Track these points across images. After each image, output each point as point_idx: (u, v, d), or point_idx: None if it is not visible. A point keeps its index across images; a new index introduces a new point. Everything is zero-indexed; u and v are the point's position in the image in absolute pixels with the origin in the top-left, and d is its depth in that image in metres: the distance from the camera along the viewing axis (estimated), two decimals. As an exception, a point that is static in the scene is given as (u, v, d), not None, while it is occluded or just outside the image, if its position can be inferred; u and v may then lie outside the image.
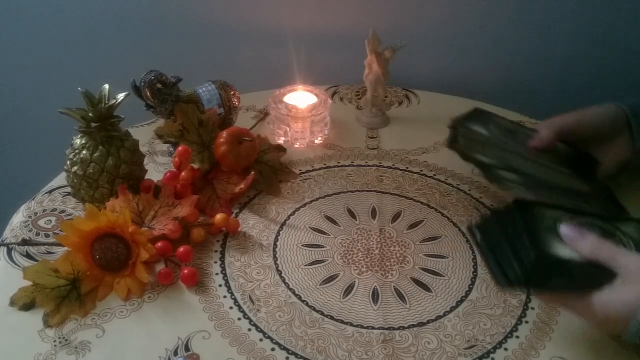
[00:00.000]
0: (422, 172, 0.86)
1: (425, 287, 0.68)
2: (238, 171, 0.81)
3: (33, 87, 1.22)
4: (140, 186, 0.74)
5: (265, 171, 0.83)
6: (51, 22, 1.14)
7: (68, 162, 0.72)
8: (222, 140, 0.79)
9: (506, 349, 0.61)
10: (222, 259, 0.70)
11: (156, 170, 0.83)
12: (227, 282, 0.67)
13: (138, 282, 0.65)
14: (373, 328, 0.62)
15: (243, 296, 0.66)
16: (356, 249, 0.72)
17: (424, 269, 0.70)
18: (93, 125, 0.70)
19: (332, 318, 0.64)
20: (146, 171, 0.77)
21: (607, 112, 0.77)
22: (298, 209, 0.78)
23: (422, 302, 0.66)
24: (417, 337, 0.62)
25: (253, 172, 0.79)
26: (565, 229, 0.58)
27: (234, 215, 0.77)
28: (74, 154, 0.71)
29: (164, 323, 0.62)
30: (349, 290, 0.67)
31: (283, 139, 0.91)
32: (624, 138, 0.77)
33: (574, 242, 0.57)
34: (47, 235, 0.72)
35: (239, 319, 0.63)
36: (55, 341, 0.59)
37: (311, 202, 0.80)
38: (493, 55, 1.12)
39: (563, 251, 0.58)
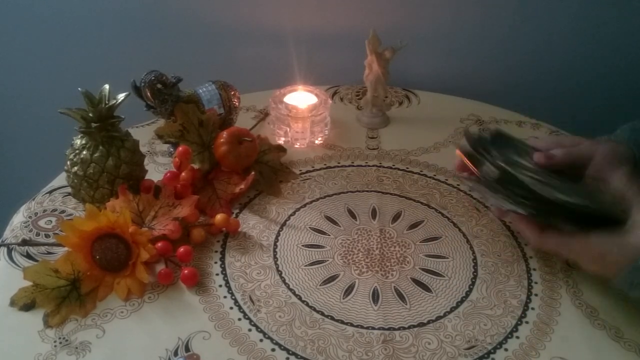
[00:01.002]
0: (422, 172, 0.86)
1: (425, 287, 0.68)
2: (238, 171, 0.81)
3: (33, 87, 1.22)
4: (140, 186, 0.74)
5: (265, 171, 0.83)
6: (51, 22, 1.14)
7: (68, 162, 0.72)
8: (222, 140, 0.79)
9: (506, 349, 0.61)
10: (222, 259, 0.71)
11: (156, 170, 0.83)
12: (227, 282, 0.67)
13: (138, 282, 0.65)
14: (373, 328, 0.62)
15: (243, 296, 0.66)
16: (356, 249, 0.72)
17: (424, 269, 0.70)
18: (93, 125, 0.70)
19: (332, 318, 0.64)
20: (146, 171, 0.77)
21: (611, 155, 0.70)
22: (298, 209, 0.78)
23: (422, 302, 0.66)
24: (417, 337, 0.62)
25: (253, 172, 0.79)
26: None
27: (234, 215, 0.77)
28: (74, 154, 0.71)
29: (164, 323, 0.62)
30: (349, 290, 0.67)
31: (283, 139, 0.91)
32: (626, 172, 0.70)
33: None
34: (47, 235, 0.72)
35: (239, 319, 0.63)
36: (55, 341, 0.59)
37: (311, 202, 0.80)
38: (493, 55, 1.12)
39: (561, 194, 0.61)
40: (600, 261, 0.61)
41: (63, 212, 0.76)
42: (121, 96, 0.71)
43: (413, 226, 0.76)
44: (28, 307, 0.62)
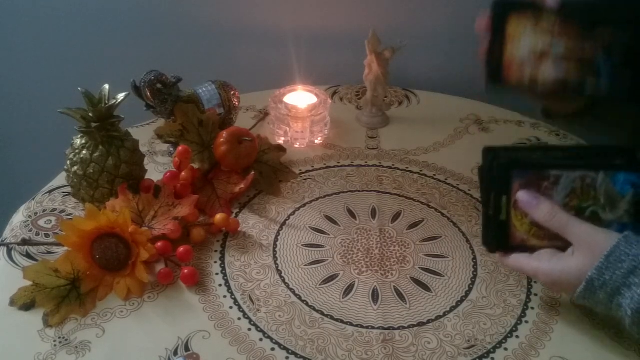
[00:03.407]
0: (421, 172, 0.86)
1: (425, 287, 0.68)
2: (238, 171, 0.81)
3: (33, 87, 1.22)
4: (140, 186, 0.74)
5: (265, 171, 0.83)
6: (51, 22, 1.14)
7: (68, 162, 0.72)
8: (222, 140, 0.79)
9: (506, 349, 0.61)
10: (222, 259, 0.71)
11: (156, 170, 0.83)
12: (226, 281, 0.67)
13: (138, 281, 0.65)
14: (373, 328, 0.62)
15: (243, 296, 0.66)
16: (356, 249, 0.72)
17: (423, 269, 0.70)
18: (93, 125, 0.70)
19: (331, 318, 0.64)
20: (146, 171, 0.77)
21: None
22: (298, 209, 0.78)
23: (422, 301, 0.66)
24: (417, 337, 0.62)
25: (253, 172, 0.79)
26: (521, 195, 0.60)
27: (233, 215, 0.77)
28: (74, 153, 0.71)
29: (164, 323, 0.62)
30: (348, 289, 0.67)
31: (283, 138, 0.91)
32: None
33: (529, 208, 0.60)
34: (47, 235, 0.72)
35: (239, 319, 0.63)
36: (55, 341, 0.59)
37: (311, 201, 0.80)
38: (493, 55, 1.12)
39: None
40: (553, 286, 0.62)
41: (63, 211, 0.76)
42: (121, 96, 0.71)
43: (413, 226, 0.76)
44: (28, 306, 0.62)
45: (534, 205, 0.60)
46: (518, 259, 0.61)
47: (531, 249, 0.61)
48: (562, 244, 0.59)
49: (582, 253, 0.57)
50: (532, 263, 0.60)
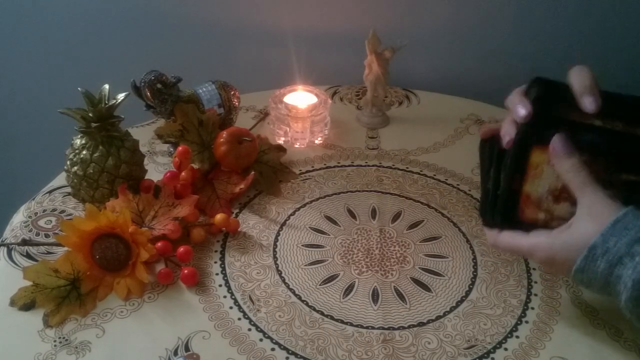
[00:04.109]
0: (422, 172, 0.86)
1: (425, 287, 0.68)
2: (238, 171, 0.81)
3: (33, 87, 1.22)
4: (140, 186, 0.74)
5: (265, 171, 0.83)
6: (51, 22, 1.14)
7: (68, 162, 0.72)
8: (222, 140, 0.79)
9: (506, 349, 0.61)
10: (222, 259, 0.71)
11: (156, 170, 0.83)
12: (227, 281, 0.67)
13: (138, 281, 0.65)
14: (373, 328, 0.62)
15: (243, 296, 0.66)
16: (356, 249, 0.72)
17: (423, 269, 0.70)
18: (93, 125, 0.70)
19: (331, 318, 0.64)
20: (146, 171, 0.77)
21: None
22: (298, 209, 0.78)
23: (422, 301, 0.66)
24: (417, 337, 0.62)
25: (253, 172, 0.79)
26: (556, 140, 0.56)
27: (233, 215, 0.77)
28: (73, 154, 0.71)
29: (164, 323, 0.62)
30: (348, 290, 0.67)
31: (283, 139, 0.91)
32: None
33: (557, 156, 0.56)
34: (47, 235, 0.72)
35: (239, 319, 0.63)
36: (55, 341, 0.59)
37: (311, 202, 0.80)
38: (493, 55, 1.12)
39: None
40: (551, 263, 0.58)
41: (63, 212, 0.76)
42: (121, 96, 0.71)
43: (413, 226, 0.76)
44: (28, 306, 0.62)
45: (566, 153, 0.56)
46: (513, 237, 0.59)
47: (532, 225, 0.59)
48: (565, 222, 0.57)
49: (586, 221, 0.54)
50: (530, 239, 0.58)
